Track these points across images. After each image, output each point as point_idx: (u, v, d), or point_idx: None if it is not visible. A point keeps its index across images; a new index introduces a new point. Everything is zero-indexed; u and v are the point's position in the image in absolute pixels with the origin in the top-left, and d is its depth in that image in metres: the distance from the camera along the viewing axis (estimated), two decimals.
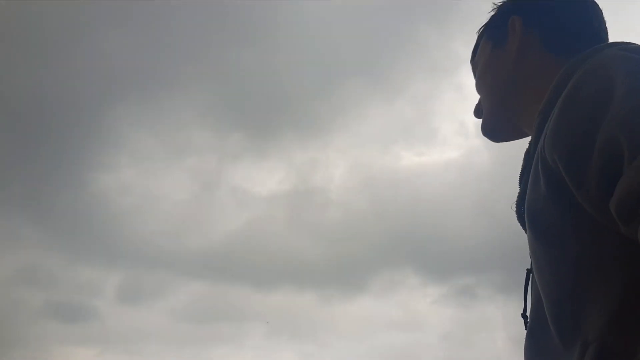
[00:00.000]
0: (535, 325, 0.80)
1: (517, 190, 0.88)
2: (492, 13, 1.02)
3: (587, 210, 0.67)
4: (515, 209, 0.88)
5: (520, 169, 0.89)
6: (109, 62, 10.50)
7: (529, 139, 0.88)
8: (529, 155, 0.86)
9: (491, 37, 1.00)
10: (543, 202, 0.74)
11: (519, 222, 0.87)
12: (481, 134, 1.02)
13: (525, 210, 0.79)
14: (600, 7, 0.96)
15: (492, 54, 0.99)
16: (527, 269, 0.87)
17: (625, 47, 0.76)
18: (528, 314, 0.85)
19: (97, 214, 11.05)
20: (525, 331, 0.84)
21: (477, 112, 1.03)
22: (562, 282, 0.72)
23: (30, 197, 10.74)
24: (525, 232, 0.83)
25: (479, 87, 1.02)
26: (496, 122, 0.99)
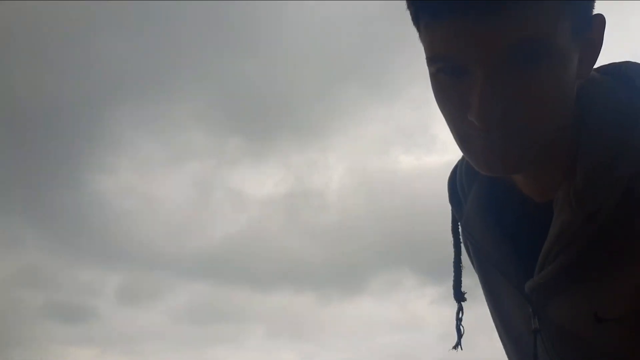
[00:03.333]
0: None
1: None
2: None
3: None
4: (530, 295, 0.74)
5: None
6: (110, 64, 10.56)
7: None
8: (575, 226, 0.67)
9: (573, 14, 0.61)
10: None
11: (535, 300, 0.74)
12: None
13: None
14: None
15: (572, 45, 0.62)
16: (535, 330, 0.75)
17: None
18: None
19: (97, 216, 11.10)
20: None
21: (493, 119, 0.61)
22: None
23: (30, 198, 10.79)
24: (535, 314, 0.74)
25: (544, 96, 0.62)
26: (530, 161, 0.66)
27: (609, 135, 0.67)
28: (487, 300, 0.86)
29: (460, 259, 0.84)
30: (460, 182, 0.84)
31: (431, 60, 0.64)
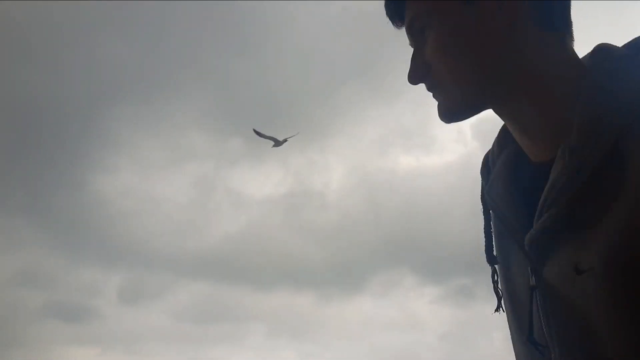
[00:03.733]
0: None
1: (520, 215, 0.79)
2: None
3: None
4: (528, 245, 0.77)
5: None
6: (110, 66, 10.58)
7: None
8: (554, 187, 0.73)
9: None
10: None
11: (533, 256, 0.77)
12: (444, 124, 0.83)
13: (619, 262, 0.68)
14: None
15: (466, 12, 0.77)
16: (531, 287, 0.78)
17: None
18: (535, 336, 0.78)
19: (98, 216, 11.12)
20: (542, 355, 0.77)
21: (415, 77, 0.82)
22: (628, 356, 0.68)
23: (31, 198, 10.80)
24: (533, 269, 0.76)
25: (443, 55, 0.78)
26: (467, 107, 0.80)
27: (606, 91, 0.72)
28: (500, 274, 0.87)
29: (490, 225, 0.87)
30: (492, 156, 0.89)
31: None
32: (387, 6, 0.84)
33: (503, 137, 0.88)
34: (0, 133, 10.29)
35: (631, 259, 0.66)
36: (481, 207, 0.88)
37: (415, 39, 0.82)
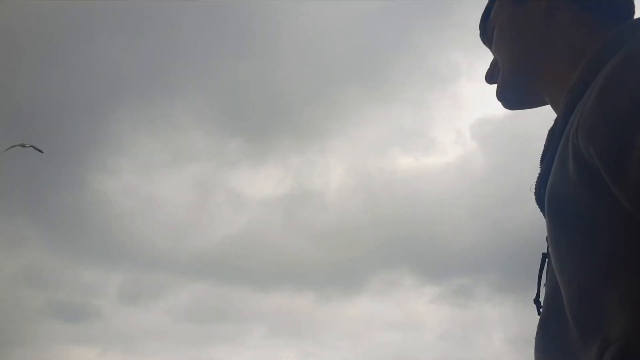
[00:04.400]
0: (550, 315, 0.77)
1: (537, 171, 0.83)
2: None
3: (623, 205, 0.64)
4: (534, 191, 0.82)
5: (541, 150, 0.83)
6: (111, 67, 10.64)
7: (545, 113, 0.83)
8: (553, 134, 0.79)
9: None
10: (572, 189, 0.70)
11: (538, 205, 0.81)
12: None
13: (548, 194, 0.74)
14: None
15: (515, 9, 0.90)
16: (543, 253, 0.82)
17: None
18: (541, 300, 0.81)
19: (99, 216, 11.18)
20: (538, 318, 0.80)
21: (491, 77, 0.95)
22: (585, 275, 0.68)
23: (33, 198, 10.85)
24: (544, 216, 0.78)
25: (498, 48, 0.92)
26: (516, 85, 0.90)
27: (608, 49, 0.74)
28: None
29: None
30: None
31: None
32: (481, 35, 0.99)
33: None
34: (2, 133, 10.37)
35: (552, 185, 0.73)
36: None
37: (490, 44, 0.97)
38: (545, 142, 0.83)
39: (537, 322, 0.80)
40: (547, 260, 0.80)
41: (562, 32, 0.85)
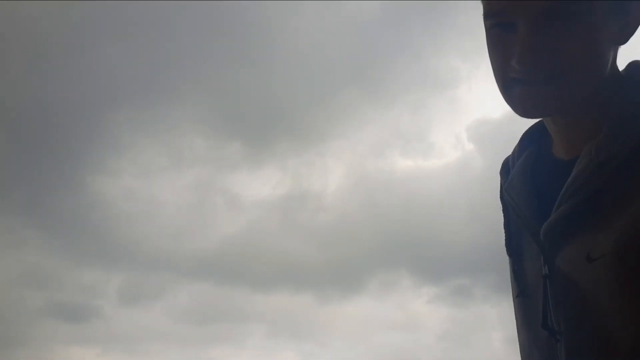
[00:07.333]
0: (575, 346, 0.77)
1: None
2: None
3: None
4: (545, 231, 0.80)
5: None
6: (111, 69, 10.68)
7: None
8: (588, 172, 0.76)
9: None
10: None
11: (547, 244, 0.80)
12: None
13: (624, 238, 0.71)
14: None
15: (609, 7, 0.74)
16: (544, 276, 0.81)
17: None
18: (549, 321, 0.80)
19: (99, 217, 11.22)
20: (556, 342, 0.80)
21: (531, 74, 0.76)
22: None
23: (33, 200, 10.90)
24: (544, 252, 0.80)
25: (578, 32, 0.73)
26: (576, 96, 0.76)
27: (636, 99, 0.76)
28: (510, 266, 0.91)
29: (508, 221, 0.91)
30: (512, 158, 0.94)
31: (486, 15, 0.78)
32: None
33: (526, 140, 0.92)
34: (2, 134, 10.39)
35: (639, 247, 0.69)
36: (501, 205, 0.93)
37: (550, 21, 0.83)
38: (577, 177, 0.77)
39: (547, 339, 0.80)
40: (548, 283, 0.80)
41: (613, 63, 0.79)
